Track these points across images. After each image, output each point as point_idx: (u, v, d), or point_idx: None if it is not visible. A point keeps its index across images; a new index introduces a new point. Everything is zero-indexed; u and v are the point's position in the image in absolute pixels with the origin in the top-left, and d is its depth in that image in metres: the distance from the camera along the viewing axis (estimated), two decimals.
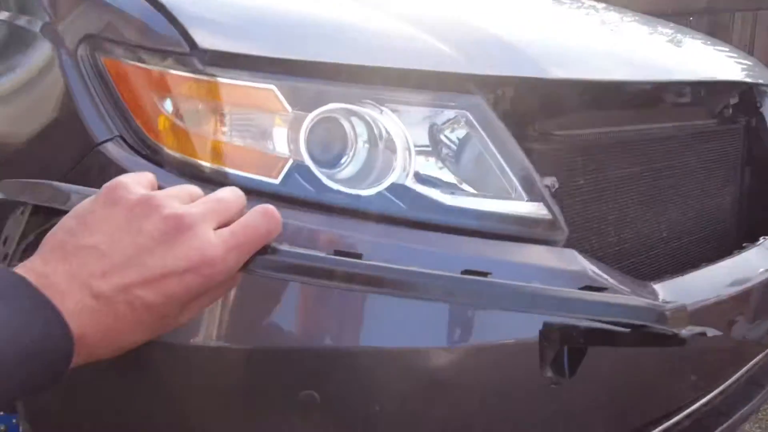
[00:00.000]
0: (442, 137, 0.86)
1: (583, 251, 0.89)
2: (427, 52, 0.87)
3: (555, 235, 0.87)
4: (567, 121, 1.08)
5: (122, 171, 0.73)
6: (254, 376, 0.78)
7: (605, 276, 0.88)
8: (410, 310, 0.77)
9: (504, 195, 0.87)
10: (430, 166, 0.85)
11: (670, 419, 1.09)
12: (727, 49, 1.48)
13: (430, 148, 0.86)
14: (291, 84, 0.80)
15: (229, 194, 0.51)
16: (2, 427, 1.12)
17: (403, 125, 0.83)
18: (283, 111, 0.80)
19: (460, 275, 0.49)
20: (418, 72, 0.85)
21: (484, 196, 0.85)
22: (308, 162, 0.80)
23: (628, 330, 0.49)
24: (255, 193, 0.76)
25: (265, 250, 0.49)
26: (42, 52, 0.93)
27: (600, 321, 0.49)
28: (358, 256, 0.50)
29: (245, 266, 0.48)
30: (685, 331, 0.47)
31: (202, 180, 0.76)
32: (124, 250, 0.44)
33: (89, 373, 0.82)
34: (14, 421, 1.30)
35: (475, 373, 0.80)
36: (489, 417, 0.82)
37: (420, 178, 0.84)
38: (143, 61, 0.82)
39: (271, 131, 0.80)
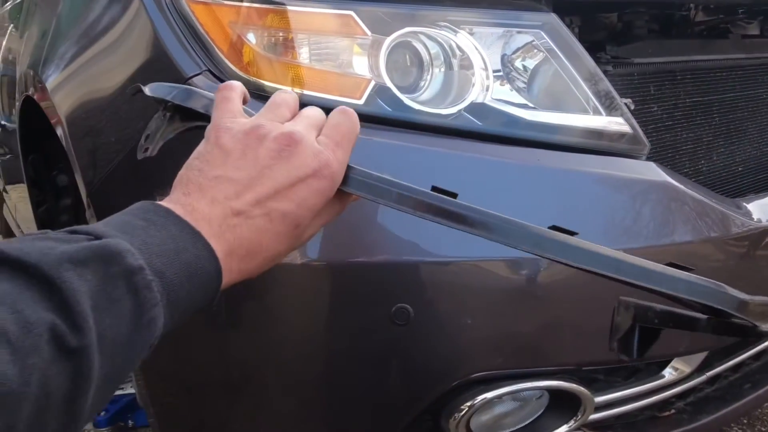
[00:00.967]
0: (518, 56, 0.86)
1: None
2: None
3: (637, 149, 0.87)
4: (637, 48, 1.07)
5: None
6: (348, 292, 0.80)
7: (689, 189, 0.87)
8: None
9: (582, 112, 0.87)
10: (507, 86, 0.86)
11: (758, 345, 1.07)
12: None
13: (506, 69, 0.86)
14: (369, 9, 0.82)
15: (313, 110, 0.55)
16: None
17: (479, 46, 0.84)
18: (363, 35, 0.82)
19: (548, 230, 0.49)
20: None
21: (563, 113, 0.85)
22: (389, 84, 0.82)
23: (705, 317, 0.47)
24: None
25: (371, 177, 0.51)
26: (130, 5, 0.97)
27: (679, 300, 0.47)
28: (454, 195, 0.51)
29: (350, 188, 0.51)
30: (765, 327, 0.45)
31: None
32: (249, 172, 0.48)
33: (185, 326, 0.87)
34: None
35: (567, 285, 0.80)
36: (580, 330, 0.83)
37: (497, 97, 0.84)
38: None
39: (351, 55, 0.82)
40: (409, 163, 0.78)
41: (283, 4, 0.82)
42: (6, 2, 2.15)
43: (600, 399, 0.88)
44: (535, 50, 0.87)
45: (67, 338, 0.34)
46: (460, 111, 0.83)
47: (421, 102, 0.83)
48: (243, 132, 0.50)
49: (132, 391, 1.35)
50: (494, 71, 0.85)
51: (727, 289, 0.46)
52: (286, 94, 0.55)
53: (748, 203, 0.95)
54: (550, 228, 0.49)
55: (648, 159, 0.91)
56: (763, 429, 1.61)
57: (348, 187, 0.51)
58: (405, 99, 0.81)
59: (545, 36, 0.87)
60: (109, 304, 0.37)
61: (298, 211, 0.48)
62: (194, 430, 1.00)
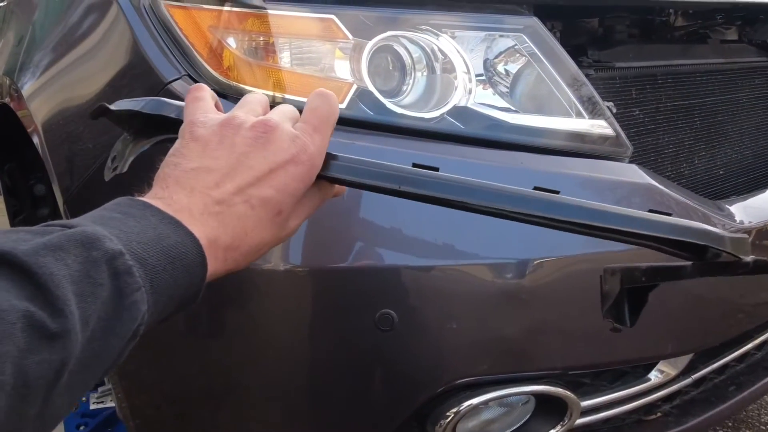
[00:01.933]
0: (501, 60, 0.86)
1: None
2: None
3: (619, 151, 0.87)
4: (618, 53, 1.08)
5: None
6: (332, 298, 0.79)
7: (671, 191, 0.87)
8: (485, 226, 0.78)
9: (565, 115, 0.87)
10: (490, 89, 0.86)
11: (742, 347, 1.07)
12: None
13: (488, 73, 0.86)
14: (350, 12, 0.81)
15: (285, 106, 0.54)
16: None
17: (461, 49, 0.84)
18: (344, 39, 0.81)
19: (532, 190, 0.49)
20: None
21: (546, 116, 0.85)
22: (371, 88, 0.81)
23: (690, 263, 0.48)
24: None
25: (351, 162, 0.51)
26: (108, 11, 0.96)
27: (662, 240, 0.47)
28: (435, 168, 0.50)
29: (331, 173, 0.50)
30: (748, 259, 0.46)
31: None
32: (227, 161, 0.47)
33: (164, 336, 0.85)
34: (83, 399, 1.34)
35: (552, 288, 0.80)
36: (565, 334, 0.82)
37: (480, 101, 0.84)
38: (204, 2, 0.84)
39: (333, 59, 0.82)
40: None
41: (264, 8, 0.81)
42: None
43: (586, 403, 0.88)
44: (518, 54, 0.87)
45: (47, 324, 0.34)
46: (443, 115, 0.82)
47: (404, 106, 0.82)
48: (218, 124, 0.49)
49: (112, 404, 1.32)
50: (477, 75, 0.85)
51: (706, 227, 0.47)
52: (256, 94, 0.55)
53: (730, 205, 0.95)
54: (534, 189, 0.49)
55: (630, 162, 0.91)
56: (747, 431, 1.62)
57: (328, 173, 0.50)
58: (387, 103, 0.81)
59: (527, 40, 0.87)
60: (93, 288, 0.37)
61: (279, 197, 0.48)
62: None
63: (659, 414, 0.99)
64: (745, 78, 1.34)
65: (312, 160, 0.49)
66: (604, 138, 0.87)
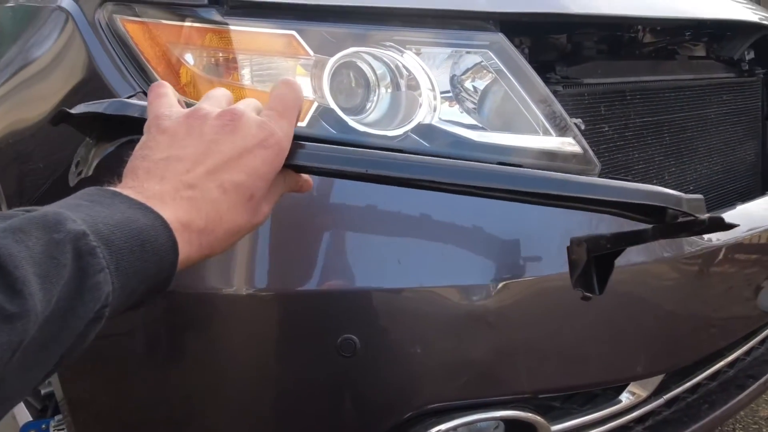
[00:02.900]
0: (468, 76, 0.85)
1: None
2: None
3: (587, 169, 0.86)
4: (587, 69, 1.07)
5: None
6: (293, 323, 0.76)
7: None
8: (448, 248, 0.76)
9: (532, 133, 0.85)
10: (455, 107, 0.84)
11: (712, 366, 1.06)
12: (743, 1, 1.47)
13: (455, 90, 0.85)
14: (312, 28, 0.79)
15: (249, 99, 0.55)
16: None
17: (426, 66, 0.83)
18: (305, 56, 0.79)
19: (496, 165, 0.51)
20: (438, 12, 0.84)
21: (513, 133, 0.84)
22: (333, 105, 0.79)
23: (650, 226, 0.49)
24: None
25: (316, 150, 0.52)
26: (63, 28, 0.93)
27: (624, 205, 0.49)
28: (400, 151, 0.50)
29: (297, 161, 0.51)
30: (704, 217, 0.47)
31: None
32: (196, 149, 0.48)
33: (121, 360, 0.82)
34: (44, 426, 1.29)
35: (519, 310, 0.78)
36: (534, 356, 0.80)
37: (446, 118, 0.83)
38: (162, 18, 0.82)
39: (293, 76, 0.79)
40: (354, 187, 0.76)
41: (225, 23, 0.79)
42: None
43: (557, 427, 0.86)
44: (485, 71, 0.86)
45: (4, 305, 0.33)
46: (407, 133, 0.80)
47: (367, 124, 0.80)
48: (184, 115, 0.50)
49: None
50: (442, 92, 0.84)
51: (663, 189, 0.49)
52: (220, 89, 0.56)
53: None
54: (499, 164, 0.51)
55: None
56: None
57: (295, 161, 0.51)
58: (350, 121, 0.79)
59: (494, 56, 0.85)
60: (57, 269, 0.36)
61: (250, 180, 0.48)
62: None
63: None
64: (713, 94, 1.35)
65: (280, 144, 0.50)
66: (571, 155, 0.86)
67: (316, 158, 0.52)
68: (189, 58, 0.80)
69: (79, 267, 0.37)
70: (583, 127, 0.94)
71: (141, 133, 0.51)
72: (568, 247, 0.53)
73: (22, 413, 1.21)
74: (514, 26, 0.93)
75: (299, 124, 0.77)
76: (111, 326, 0.40)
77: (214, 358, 0.80)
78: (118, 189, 0.45)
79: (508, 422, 0.84)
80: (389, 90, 0.82)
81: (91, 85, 0.83)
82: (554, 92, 0.93)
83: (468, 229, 0.77)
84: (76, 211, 0.40)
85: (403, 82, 0.82)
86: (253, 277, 0.75)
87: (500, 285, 0.77)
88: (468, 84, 0.85)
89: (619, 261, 0.85)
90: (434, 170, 0.49)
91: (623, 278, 0.85)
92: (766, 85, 1.50)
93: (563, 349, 0.82)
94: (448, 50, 0.85)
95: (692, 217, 0.47)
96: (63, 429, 1.31)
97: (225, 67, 0.79)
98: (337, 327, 0.74)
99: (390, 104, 0.82)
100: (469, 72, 0.85)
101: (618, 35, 1.20)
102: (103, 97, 0.82)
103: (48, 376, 0.39)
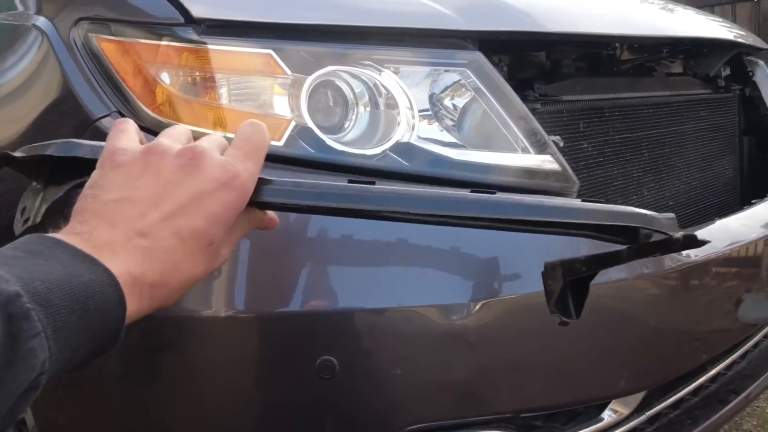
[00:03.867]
0: (447, 94, 0.85)
1: None
2: (424, 12, 0.87)
3: (566, 186, 0.86)
4: (565, 86, 1.08)
5: None
6: (271, 345, 0.75)
7: None
8: (429, 267, 0.76)
9: (511, 151, 0.85)
10: (434, 125, 0.84)
11: (695, 381, 1.06)
12: (718, 19, 1.49)
13: (434, 108, 0.85)
14: (289, 48, 0.79)
15: (213, 135, 0.52)
16: None
17: (404, 85, 0.83)
18: (283, 75, 0.79)
19: (470, 193, 0.49)
20: (416, 30, 0.84)
21: (492, 151, 0.84)
22: (311, 124, 0.79)
23: (625, 248, 0.49)
24: None
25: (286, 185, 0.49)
26: (35, 44, 0.92)
27: (597, 227, 0.48)
28: (371, 182, 0.49)
29: (263, 198, 0.48)
30: (677, 235, 0.47)
31: None
32: (151, 190, 0.44)
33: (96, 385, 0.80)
34: None
35: (499, 329, 0.77)
36: (515, 375, 0.80)
37: (425, 137, 0.82)
38: (138, 37, 0.81)
39: (271, 95, 0.79)
40: None
41: (202, 42, 0.78)
42: None
43: None
44: (463, 89, 0.86)
45: None
46: (385, 151, 0.80)
47: (345, 143, 0.80)
48: (141, 151, 0.46)
49: None
50: (421, 110, 0.84)
51: (636, 210, 0.48)
52: (178, 126, 0.53)
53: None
54: (471, 192, 0.49)
55: (580, 195, 0.90)
56: None
57: (261, 198, 0.48)
58: (327, 140, 0.78)
59: (472, 75, 0.86)
60: None
61: (209, 227, 0.45)
62: None
63: None
64: (690, 110, 1.37)
65: (243, 186, 0.46)
66: (550, 173, 0.86)
67: (283, 194, 0.49)
68: (165, 77, 0.79)
69: (10, 333, 0.34)
70: (561, 144, 0.95)
71: (92, 164, 0.48)
72: (542, 272, 0.52)
73: None
74: (492, 44, 0.93)
75: (274, 143, 0.77)
76: None
77: (192, 381, 0.79)
78: (61, 236, 0.41)
79: None
80: (367, 109, 0.82)
81: (66, 105, 0.82)
82: (533, 110, 0.93)
83: (446, 248, 0.76)
84: (11, 266, 0.36)
85: (381, 101, 0.82)
86: (231, 299, 0.74)
87: (480, 304, 0.76)
88: (447, 102, 0.85)
89: (600, 278, 0.85)
90: (404, 201, 0.47)
91: (604, 294, 0.85)
92: (741, 101, 1.52)
93: (544, 367, 0.81)
94: (427, 69, 0.85)
95: (666, 236, 0.47)
96: None
97: (202, 87, 0.79)
98: (316, 349, 0.73)
99: (368, 123, 0.82)
100: (448, 90, 0.85)
101: (596, 52, 1.22)
102: (76, 116, 0.81)
103: None
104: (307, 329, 0.74)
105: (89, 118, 0.79)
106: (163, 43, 0.79)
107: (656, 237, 0.47)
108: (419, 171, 0.80)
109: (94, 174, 0.46)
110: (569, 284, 0.51)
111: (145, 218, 0.43)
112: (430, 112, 0.84)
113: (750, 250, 1.07)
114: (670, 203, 1.30)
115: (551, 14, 0.97)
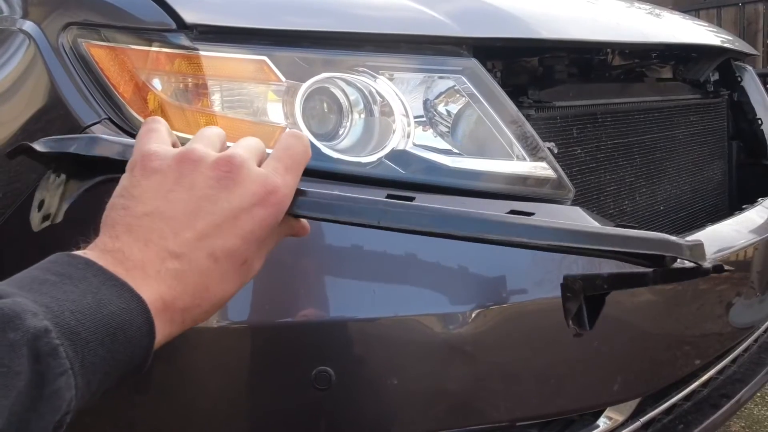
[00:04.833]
0: (441, 101, 0.84)
1: None
2: (419, 19, 0.86)
3: (561, 193, 0.86)
4: (558, 92, 1.08)
5: None
6: (266, 355, 0.74)
7: None
8: (425, 276, 0.75)
9: (506, 157, 0.85)
10: (429, 132, 0.83)
11: (687, 387, 1.06)
12: (707, 24, 1.50)
13: (428, 114, 0.84)
14: (283, 54, 0.78)
15: (251, 138, 0.49)
16: None
17: (399, 92, 0.82)
18: (277, 82, 0.78)
19: (508, 215, 0.48)
20: (411, 37, 0.84)
21: (487, 158, 0.84)
22: (306, 131, 0.78)
23: (651, 270, 0.48)
24: None
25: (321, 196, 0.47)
26: (22, 48, 0.90)
27: (629, 254, 0.48)
28: (411, 198, 0.48)
29: (301, 211, 0.46)
30: (707, 263, 0.47)
31: None
32: (185, 206, 0.41)
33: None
34: None
35: (496, 338, 0.77)
36: (511, 384, 0.79)
37: (420, 144, 0.82)
38: (129, 43, 0.80)
39: (265, 102, 0.78)
40: None
41: (194, 49, 0.77)
42: None
43: None
44: (458, 95, 0.86)
45: None
46: (380, 159, 0.79)
47: (340, 150, 0.79)
48: (174, 157, 0.43)
49: None
50: (416, 117, 0.83)
51: (669, 237, 0.47)
52: (213, 128, 0.50)
53: None
54: (509, 213, 0.48)
55: (574, 202, 0.90)
56: None
57: (297, 211, 0.46)
58: (322, 147, 0.78)
59: (466, 81, 0.85)
60: (7, 379, 0.31)
61: (244, 245, 0.42)
62: None
63: None
64: (680, 115, 1.37)
65: (281, 203, 0.44)
66: (545, 180, 0.85)
67: (321, 208, 0.46)
68: (157, 83, 0.78)
69: (37, 372, 0.32)
70: (556, 151, 0.95)
71: (121, 171, 0.45)
72: (562, 285, 0.51)
73: None
74: (486, 50, 0.93)
75: (268, 151, 0.76)
76: None
77: (185, 392, 0.77)
78: (92, 255, 0.39)
79: None
80: (362, 116, 0.81)
81: (54, 111, 0.81)
82: (527, 116, 0.93)
83: (442, 257, 0.76)
84: (41, 293, 0.35)
85: (376, 108, 0.81)
86: (225, 309, 0.73)
87: (475, 312, 0.76)
88: (441, 108, 0.84)
89: None
90: (449, 223, 0.47)
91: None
92: (730, 106, 1.53)
93: (540, 376, 0.81)
94: (421, 75, 0.84)
95: (696, 265, 0.47)
96: None
97: (194, 93, 0.77)
98: (312, 359, 0.72)
99: (363, 130, 0.81)
100: (442, 96, 0.85)
101: (588, 58, 1.22)
102: (65, 124, 0.80)
103: None
104: (302, 339, 0.73)
105: (79, 125, 0.77)
106: (155, 49, 0.78)
107: (683, 263, 0.47)
108: (415, 179, 0.79)
109: (125, 180, 0.44)
110: (587, 297, 0.50)
111: (179, 237, 0.41)
112: (424, 119, 0.84)
113: (741, 256, 1.07)
114: (661, 208, 1.30)
115: (545, 21, 0.97)
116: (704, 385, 1.14)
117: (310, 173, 0.75)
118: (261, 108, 0.78)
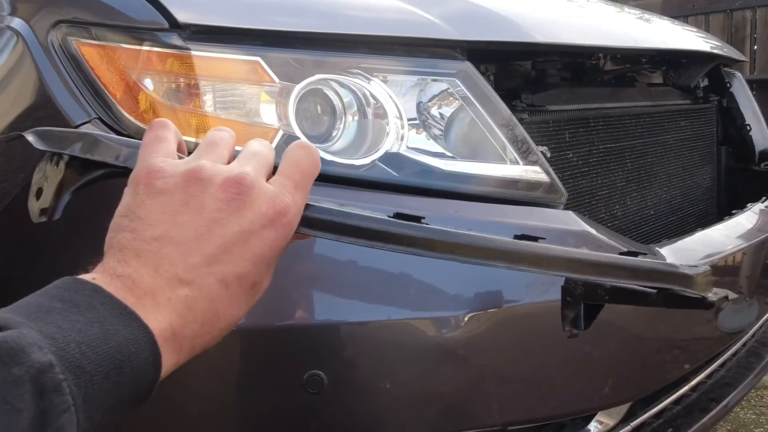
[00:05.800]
0: (434, 104, 0.84)
1: None
2: (413, 21, 0.86)
3: (554, 197, 0.86)
4: (551, 96, 1.08)
5: None
6: (258, 359, 0.73)
7: (606, 237, 0.86)
8: (418, 280, 0.75)
9: (499, 161, 0.85)
10: (423, 135, 0.83)
11: (677, 391, 1.07)
12: (698, 30, 1.51)
13: (422, 117, 0.84)
14: (277, 55, 0.78)
15: (259, 145, 0.47)
16: None
17: (393, 94, 0.82)
18: (270, 83, 0.77)
19: (521, 242, 0.47)
20: (406, 39, 0.83)
21: (480, 162, 0.83)
22: (298, 133, 0.77)
23: (654, 291, 0.48)
24: None
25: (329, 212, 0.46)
26: (9, 45, 0.89)
27: (634, 285, 0.47)
28: (418, 219, 0.47)
29: (308, 230, 0.45)
30: (712, 295, 0.46)
31: None
32: (195, 230, 0.40)
33: None
34: None
35: (488, 342, 0.76)
36: (503, 388, 0.79)
37: (414, 146, 0.82)
38: (120, 42, 0.79)
39: (258, 103, 0.77)
40: None
41: (187, 48, 0.76)
42: None
43: None
44: (451, 98, 0.86)
45: None
46: (374, 161, 0.79)
47: (333, 152, 0.79)
48: (181, 176, 0.41)
49: None
50: (410, 119, 0.83)
51: (680, 267, 0.47)
52: (222, 132, 0.47)
53: (661, 248, 0.95)
54: (516, 237, 0.47)
55: (566, 206, 0.90)
56: None
57: (306, 229, 0.45)
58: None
59: (460, 84, 0.85)
60: (9, 416, 0.30)
61: (254, 269, 0.41)
62: None
63: None
64: (671, 120, 1.38)
65: (291, 224, 0.43)
66: (538, 184, 0.85)
67: (329, 227, 0.45)
68: (148, 83, 0.77)
69: (40, 409, 0.31)
70: (548, 154, 0.95)
71: (120, 168, 0.44)
72: (563, 288, 0.50)
73: None
74: (480, 54, 0.93)
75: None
76: None
77: (175, 395, 0.76)
78: (100, 281, 0.37)
79: None
80: (356, 118, 0.81)
81: (43, 110, 0.79)
82: (520, 120, 0.93)
83: (434, 260, 0.75)
84: (45, 322, 0.34)
85: (370, 110, 0.81)
86: None
87: (467, 316, 0.75)
88: (435, 111, 0.84)
89: None
90: (457, 246, 0.46)
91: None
92: (719, 111, 1.54)
93: (533, 379, 0.81)
94: (415, 78, 0.84)
95: (700, 296, 0.46)
96: None
97: (186, 94, 0.77)
98: (303, 363, 0.71)
99: (356, 132, 0.81)
100: (436, 99, 0.85)
101: (580, 62, 1.22)
102: (54, 123, 0.78)
103: None
104: (293, 343, 0.72)
105: (68, 124, 0.76)
106: (147, 48, 0.77)
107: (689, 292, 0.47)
108: (408, 182, 0.79)
109: (128, 198, 0.42)
110: (585, 303, 0.50)
111: (188, 261, 0.39)
112: (418, 122, 0.83)
113: (730, 261, 1.08)
114: (652, 212, 1.31)
115: (538, 24, 0.97)
116: (693, 389, 1.14)
117: None
118: (254, 109, 0.77)
